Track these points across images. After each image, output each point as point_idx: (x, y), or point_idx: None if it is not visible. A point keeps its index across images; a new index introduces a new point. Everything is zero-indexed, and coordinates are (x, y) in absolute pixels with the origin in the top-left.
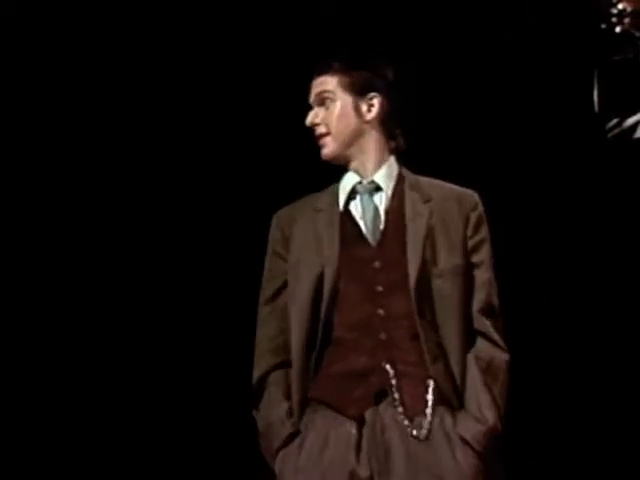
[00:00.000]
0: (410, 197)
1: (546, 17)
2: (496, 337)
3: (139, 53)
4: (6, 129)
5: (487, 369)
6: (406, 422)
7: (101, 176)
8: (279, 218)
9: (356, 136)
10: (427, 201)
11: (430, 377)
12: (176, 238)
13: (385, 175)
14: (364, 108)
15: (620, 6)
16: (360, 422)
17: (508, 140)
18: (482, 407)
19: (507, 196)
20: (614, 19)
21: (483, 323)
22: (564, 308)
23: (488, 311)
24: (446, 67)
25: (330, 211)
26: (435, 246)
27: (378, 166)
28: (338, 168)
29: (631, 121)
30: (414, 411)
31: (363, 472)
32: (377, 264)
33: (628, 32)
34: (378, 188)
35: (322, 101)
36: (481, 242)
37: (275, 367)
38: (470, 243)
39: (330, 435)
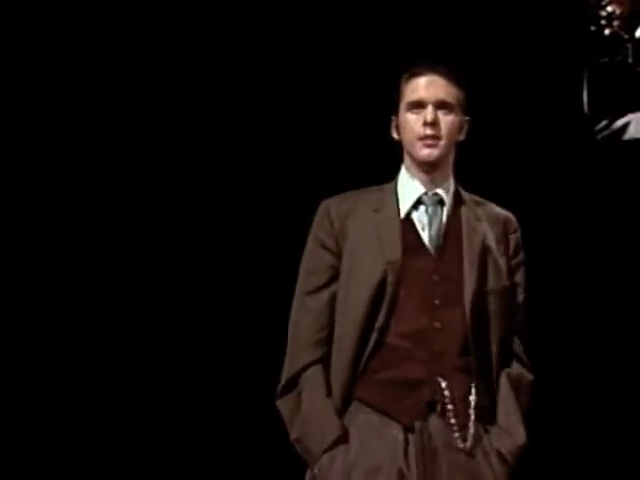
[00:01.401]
0: (465, 214)
1: (536, 19)
2: (524, 358)
3: (139, 53)
4: (6, 129)
5: (517, 387)
6: (456, 434)
7: (101, 176)
8: (329, 208)
9: (451, 152)
10: (479, 219)
11: (473, 392)
12: (176, 240)
13: (447, 189)
14: (462, 128)
15: (609, 9)
16: (408, 429)
17: (497, 140)
18: (516, 423)
19: (495, 196)
20: (603, 21)
21: (515, 343)
22: (557, 310)
23: (520, 332)
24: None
25: (390, 215)
26: (487, 264)
27: (445, 180)
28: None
29: (620, 123)
30: (460, 424)
31: (412, 477)
32: (436, 277)
33: (617, 34)
34: (441, 201)
35: (441, 105)
36: (519, 265)
37: (315, 362)
38: (511, 264)
39: (376, 438)
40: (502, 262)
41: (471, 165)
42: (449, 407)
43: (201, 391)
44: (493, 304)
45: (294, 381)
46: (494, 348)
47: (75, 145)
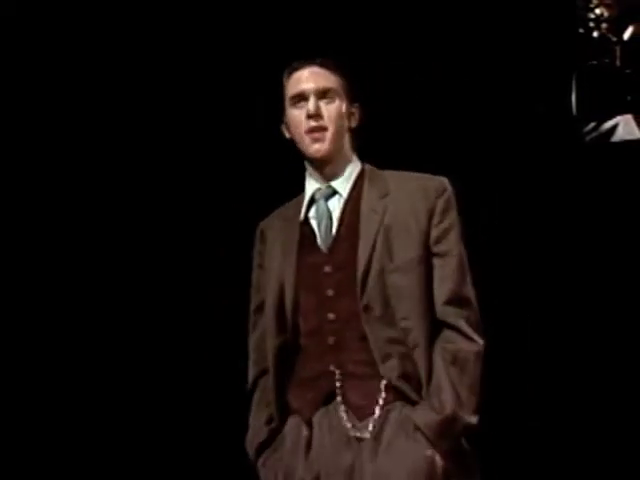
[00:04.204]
0: (367, 195)
1: (525, 21)
2: (465, 328)
3: (138, 53)
4: (6, 129)
5: (454, 361)
6: (348, 424)
7: (101, 176)
8: (261, 229)
9: (342, 140)
10: (384, 196)
11: (381, 376)
12: (176, 239)
13: (344, 178)
14: (350, 115)
15: (597, 11)
16: (311, 425)
17: (485, 142)
18: (441, 397)
19: (485, 197)
20: (592, 24)
21: (449, 314)
22: (545, 310)
23: (456, 301)
24: (425, 69)
25: (294, 221)
26: (390, 241)
27: (343, 170)
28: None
29: (608, 125)
30: (364, 411)
31: (307, 474)
32: (327, 269)
33: (605, 37)
34: (335, 192)
35: (322, 95)
36: (447, 230)
37: (261, 374)
38: (435, 232)
39: (289, 438)
40: (417, 232)
41: (459, 165)
42: (339, 399)
43: (201, 391)
44: (402, 279)
45: (251, 394)
46: (413, 324)
47: (75, 145)
